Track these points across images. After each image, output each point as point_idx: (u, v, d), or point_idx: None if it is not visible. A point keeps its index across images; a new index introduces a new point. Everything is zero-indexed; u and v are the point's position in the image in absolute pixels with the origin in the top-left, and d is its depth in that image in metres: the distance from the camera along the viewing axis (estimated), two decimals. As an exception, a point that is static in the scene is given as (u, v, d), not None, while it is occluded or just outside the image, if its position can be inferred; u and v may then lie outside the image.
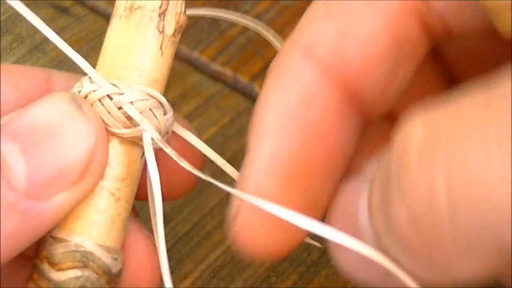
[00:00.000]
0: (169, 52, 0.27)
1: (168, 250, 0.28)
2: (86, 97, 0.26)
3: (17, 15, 0.44)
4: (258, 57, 0.42)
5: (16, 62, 0.42)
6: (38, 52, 0.43)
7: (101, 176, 0.26)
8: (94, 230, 0.26)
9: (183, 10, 0.27)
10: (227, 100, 0.42)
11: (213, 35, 0.44)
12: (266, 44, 0.43)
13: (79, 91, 0.26)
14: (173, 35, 0.27)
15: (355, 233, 0.22)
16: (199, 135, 0.40)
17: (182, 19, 0.27)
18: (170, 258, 0.28)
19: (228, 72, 0.43)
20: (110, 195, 0.26)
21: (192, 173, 0.26)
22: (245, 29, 0.44)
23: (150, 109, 0.26)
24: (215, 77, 0.43)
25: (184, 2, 0.27)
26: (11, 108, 0.28)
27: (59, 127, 0.25)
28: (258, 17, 0.44)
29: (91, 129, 0.25)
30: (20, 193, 0.24)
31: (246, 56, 0.43)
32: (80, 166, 0.25)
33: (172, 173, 0.27)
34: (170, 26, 0.27)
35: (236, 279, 0.36)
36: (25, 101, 0.28)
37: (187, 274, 0.36)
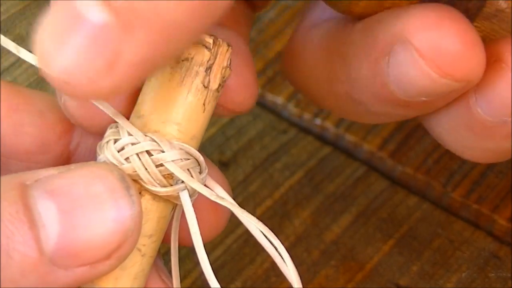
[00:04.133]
0: (210, 108, 0.26)
1: (168, 250, 0.28)
2: (123, 148, 0.25)
3: (17, 15, 0.44)
4: (258, 57, 0.42)
5: (16, 62, 0.42)
6: (38, 52, 0.43)
7: (125, 260, 0.24)
8: (117, 284, 0.25)
9: (228, 64, 0.26)
10: (227, 100, 0.42)
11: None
12: (266, 44, 0.43)
13: (116, 140, 0.25)
14: (217, 89, 0.26)
15: None
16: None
17: (227, 73, 0.26)
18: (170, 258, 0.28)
19: (228, 72, 0.43)
20: (137, 251, 0.25)
21: (216, 222, 0.26)
22: (245, 29, 0.44)
23: (188, 169, 0.25)
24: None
25: (230, 54, 0.26)
26: (35, 139, 0.27)
27: (102, 201, 0.23)
28: (258, 17, 0.44)
29: (132, 214, 0.24)
30: (44, 256, 0.23)
31: (246, 56, 0.43)
32: (111, 247, 0.24)
33: (197, 222, 0.26)
34: (215, 81, 0.25)
35: (236, 279, 0.36)
36: (50, 133, 0.27)
37: (187, 274, 0.35)
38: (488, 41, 0.26)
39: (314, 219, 0.38)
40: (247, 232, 0.26)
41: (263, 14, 0.44)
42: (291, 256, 0.26)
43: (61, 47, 0.21)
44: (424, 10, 0.25)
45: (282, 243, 0.36)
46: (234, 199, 0.26)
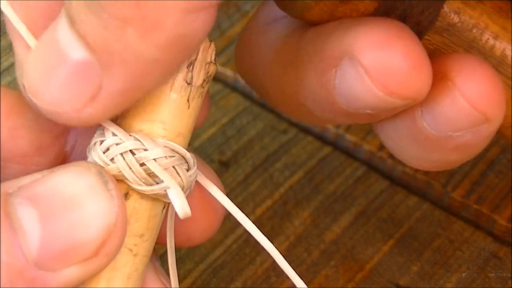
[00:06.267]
0: (196, 104, 0.26)
1: (166, 250, 0.28)
2: (108, 149, 0.25)
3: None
4: (258, 57, 0.42)
5: (16, 62, 0.42)
6: (38, 52, 0.43)
7: (115, 256, 0.25)
8: (109, 285, 0.25)
9: (213, 59, 0.26)
10: (227, 100, 0.42)
11: (213, 35, 0.44)
12: (266, 44, 0.43)
13: (102, 141, 0.25)
14: (201, 85, 0.26)
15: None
16: (198, 135, 0.41)
17: (212, 69, 0.26)
18: (170, 258, 0.29)
19: (228, 72, 0.43)
20: (128, 251, 0.25)
21: (210, 222, 0.26)
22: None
23: (173, 166, 0.25)
24: (215, 77, 0.43)
25: (214, 50, 0.26)
26: (31, 142, 0.27)
27: (81, 200, 0.24)
28: (258, 17, 0.44)
29: (112, 208, 0.24)
30: (29, 262, 0.23)
31: (246, 56, 0.43)
32: (96, 243, 0.24)
33: (191, 222, 0.26)
34: (199, 77, 0.25)
35: (236, 279, 0.36)
36: (45, 135, 0.27)
37: (187, 274, 0.36)
38: (438, 55, 0.26)
39: (314, 219, 0.38)
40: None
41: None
42: (291, 256, 0.26)
43: (48, 81, 0.24)
44: (373, 27, 0.25)
45: (282, 243, 0.36)
46: (233, 199, 0.27)
